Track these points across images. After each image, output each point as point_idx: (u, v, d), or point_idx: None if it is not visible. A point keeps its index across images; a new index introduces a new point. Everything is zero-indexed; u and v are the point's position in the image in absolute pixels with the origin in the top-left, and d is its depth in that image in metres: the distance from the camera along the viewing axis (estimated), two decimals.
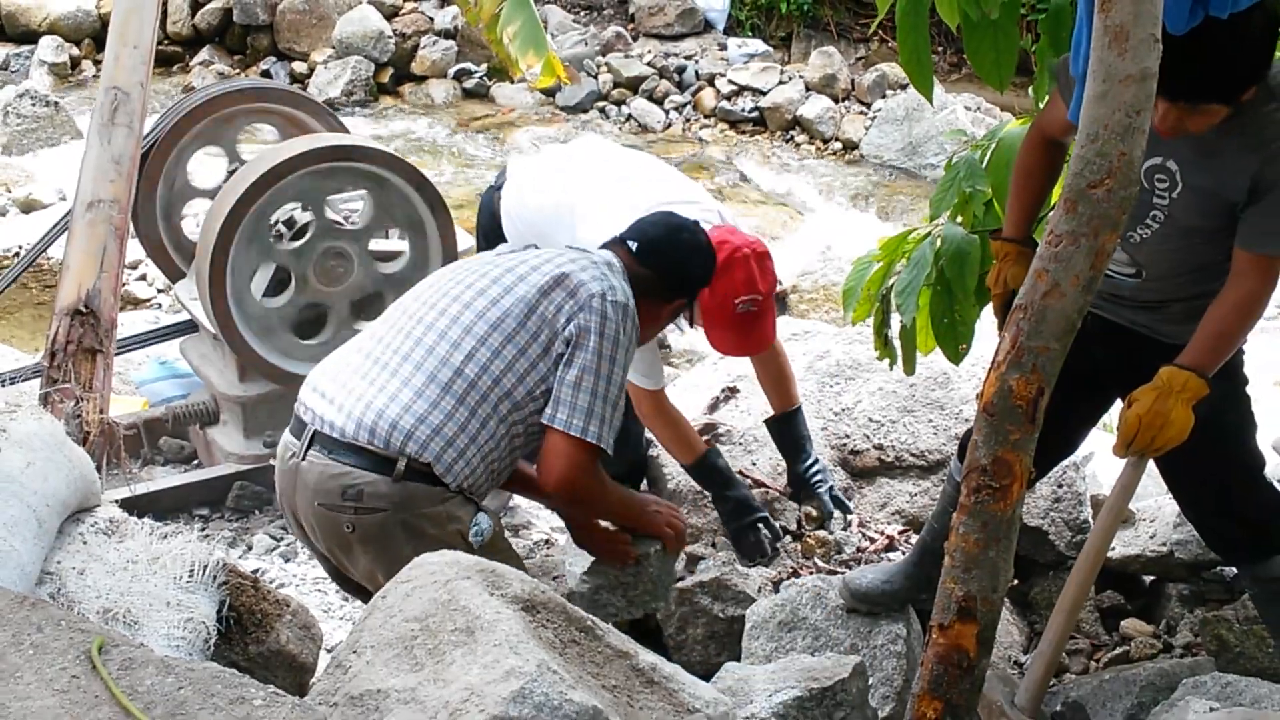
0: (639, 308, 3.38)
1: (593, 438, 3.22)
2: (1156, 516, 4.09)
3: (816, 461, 4.36)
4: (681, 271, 3.55)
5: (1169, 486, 3.62)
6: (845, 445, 4.50)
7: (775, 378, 4.38)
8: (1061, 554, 4.09)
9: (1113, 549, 4.06)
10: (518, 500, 5.14)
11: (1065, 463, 3.96)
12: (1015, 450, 2.58)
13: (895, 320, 3.74)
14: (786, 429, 4.39)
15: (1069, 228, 2.48)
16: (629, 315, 3.30)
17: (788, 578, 4.06)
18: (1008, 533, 2.62)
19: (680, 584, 3.99)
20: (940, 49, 11.71)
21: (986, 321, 3.59)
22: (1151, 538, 4.05)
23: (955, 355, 3.66)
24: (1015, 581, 4.07)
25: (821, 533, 4.27)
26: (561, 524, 4.65)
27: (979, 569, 2.62)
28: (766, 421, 4.44)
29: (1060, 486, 4.16)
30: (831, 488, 4.37)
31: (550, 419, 3.23)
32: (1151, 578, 4.18)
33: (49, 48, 12.44)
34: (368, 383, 3.23)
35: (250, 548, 4.83)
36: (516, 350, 3.22)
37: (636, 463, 4.66)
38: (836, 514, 4.36)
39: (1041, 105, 3.40)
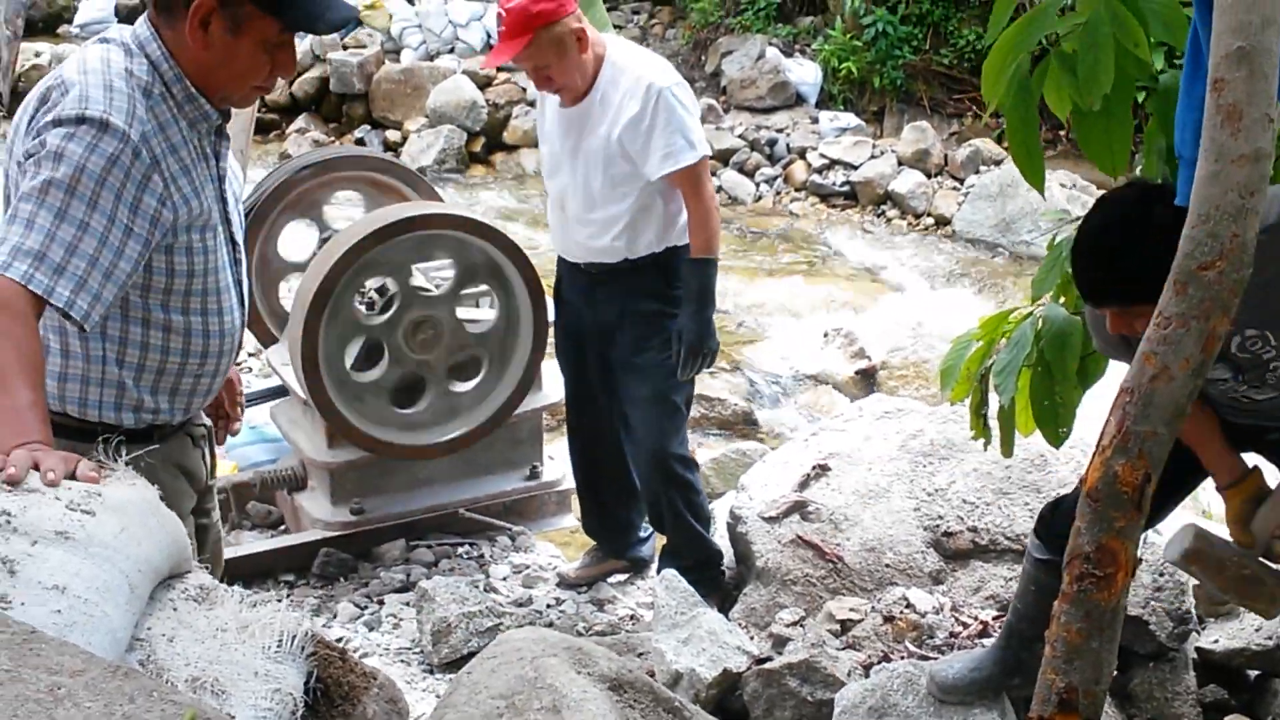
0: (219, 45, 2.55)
1: (19, 276, 2.35)
2: None
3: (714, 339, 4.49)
4: None
5: None
6: (939, 526, 4.41)
7: (700, 223, 4.43)
8: (1163, 645, 3.96)
9: (1215, 641, 3.94)
10: None
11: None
12: (1120, 538, 2.50)
13: (993, 400, 3.68)
14: (700, 272, 4.45)
15: (1178, 310, 2.42)
16: (105, 132, 2.47)
17: (878, 662, 3.98)
18: (1112, 623, 2.55)
19: (768, 665, 3.93)
20: None
21: (1087, 404, 3.51)
22: (1257, 630, 3.93)
23: (1056, 438, 3.58)
24: (1115, 672, 3.96)
25: (913, 616, 4.18)
26: (649, 601, 4.61)
27: (1081, 660, 2.55)
28: (685, 261, 4.49)
29: (1161, 575, 4.04)
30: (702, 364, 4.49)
31: None
32: (1257, 673, 4.04)
33: None
34: None
35: (335, 615, 4.82)
36: None
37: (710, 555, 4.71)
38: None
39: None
